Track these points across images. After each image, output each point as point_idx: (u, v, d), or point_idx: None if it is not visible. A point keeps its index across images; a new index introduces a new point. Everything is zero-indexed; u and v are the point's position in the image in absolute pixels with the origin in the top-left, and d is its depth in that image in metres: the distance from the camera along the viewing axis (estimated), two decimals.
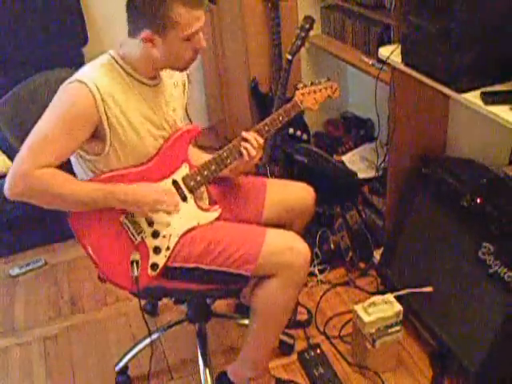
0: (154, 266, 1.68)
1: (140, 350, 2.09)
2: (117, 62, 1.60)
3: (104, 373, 2.16)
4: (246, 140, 1.75)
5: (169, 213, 1.66)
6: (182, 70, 1.66)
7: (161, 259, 1.68)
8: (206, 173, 1.72)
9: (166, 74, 1.72)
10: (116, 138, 1.57)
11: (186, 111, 1.86)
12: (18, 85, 1.80)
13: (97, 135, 1.57)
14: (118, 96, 1.56)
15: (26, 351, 2.31)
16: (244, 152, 1.75)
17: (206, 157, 1.79)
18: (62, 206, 1.58)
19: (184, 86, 1.81)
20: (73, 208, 1.59)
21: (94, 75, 1.55)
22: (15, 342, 2.36)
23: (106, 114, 1.54)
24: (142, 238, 1.66)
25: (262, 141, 1.77)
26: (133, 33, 1.56)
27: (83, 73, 1.56)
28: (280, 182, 2.08)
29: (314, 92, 1.88)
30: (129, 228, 1.65)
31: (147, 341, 2.07)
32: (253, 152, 1.75)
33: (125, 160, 1.62)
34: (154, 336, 2.14)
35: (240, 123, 3.24)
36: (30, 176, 1.48)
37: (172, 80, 1.75)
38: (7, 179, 1.50)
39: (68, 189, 1.53)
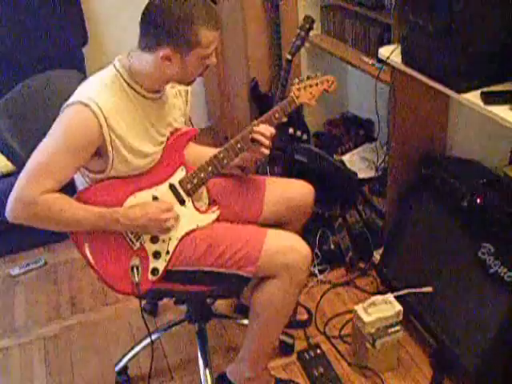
0: (155, 270, 1.68)
1: (140, 350, 2.09)
2: (122, 76, 1.58)
3: (104, 373, 2.16)
4: (257, 132, 1.75)
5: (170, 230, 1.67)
6: (188, 84, 1.66)
7: (161, 264, 1.68)
8: (202, 175, 1.72)
9: (168, 84, 1.71)
10: (118, 159, 1.57)
11: (190, 119, 1.85)
12: (18, 85, 1.80)
13: (98, 153, 1.56)
14: (121, 116, 1.55)
15: (26, 351, 2.31)
16: (258, 139, 1.74)
17: (211, 151, 1.79)
18: (64, 230, 1.59)
19: (186, 94, 1.81)
20: (73, 230, 1.61)
21: (97, 95, 1.52)
22: (15, 342, 2.36)
23: (110, 137, 1.53)
24: (140, 243, 1.66)
25: (273, 130, 1.77)
26: (148, 48, 1.53)
27: (86, 92, 1.54)
28: (279, 179, 2.08)
29: (310, 86, 1.86)
30: (127, 234, 1.65)
31: (147, 341, 2.06)
32: (266, 142, 1.74)
33: (125, 175, 1.62)
34: (154, 336, 2.13)
35: (240, 123, 3.24)
36: (32, 203, 1.48)
37: (174, 89, 1.74)
38: (8, 202, 1.49)
39: (70, 215, 1.53)
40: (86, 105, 1.49)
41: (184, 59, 1.53)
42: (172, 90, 1.74)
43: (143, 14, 1.53)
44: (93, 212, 1.56)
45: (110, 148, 1.54)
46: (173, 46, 1.50)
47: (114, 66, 1.60)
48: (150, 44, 1.53)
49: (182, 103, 1.78)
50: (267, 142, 1.75)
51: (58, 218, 1.53)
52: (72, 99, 1.53)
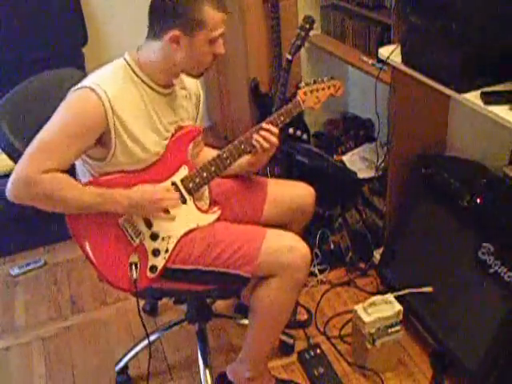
0: (153, 268, 1.67)
1: (140, 350, 2.09)
2: (131, 68, 1.59)
3: (104, 373, 2.16)
4: (260, 130, 1.74)
5: (169, 212, 1.66)
6: (197, 76, 1.67)
7: (160, 261, 1.68)
8: (205, 174, 1.72)
9: (178, 85, 1.71)
10: (120, 147, 1.57)
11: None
12: (19, 85, 1.80)
13: (101, 141, 1.56)
14: (127, 105, 1.56)
15: (26, 351, 2.31)
16: (256, 144, 1.74)
17: (214, 153, 1.79)
18: (63, 210, 1.58)
19: (198, 99, 1.81)
20: (74, 212, 1.60)
21: (105, 81, 1.54)
22: (15, 342, 2.36)
23: (114, 124, 1.53)
24: (140, 240, 1.66)
25: (276, 131, 1.76)
26: (157, 34, 1.55)
27: (94, 78, 1.55)
28: (280, 181, 2.07)
29: (317, 90, 1.85)
30: (127, 230, 1.64)
31: (147, 341, 2.06)
32: (265, 144, 1.74)
33: (126, 168, 1.62)
34: (154, 336, 2.14)
35: (240, 123, 3.24)
36: (32, 181, 1.48)
37: (185, 91, 1.75)
38: (10, 182, 1.49)
39: (69, 194, 1.53)
40: (92, 89, 1.51)
41: (191, 41, 1.54)
42: (182, 92, 1.74)
43: (151, 4, 1.56)
44: (91, 192, 1.56)
45: (113, 134, 1.54)
46: (180, 26, 1.52)
47: (124, 58, 1.61)
48: (158, 30, 1.55)
49: (191, 107, 1.78)
50: (266, 145, 1.74)
51: (55, 197, 1.52)
52: (79, 84, 1.55)
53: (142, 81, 1.60)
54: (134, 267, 1.64)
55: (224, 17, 1.57)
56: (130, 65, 1.60)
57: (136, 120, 1.58)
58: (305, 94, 1.83)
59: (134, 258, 1.65)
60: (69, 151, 1.52)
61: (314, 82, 1.85)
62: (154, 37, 1.57)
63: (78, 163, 1.65)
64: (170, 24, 1.52)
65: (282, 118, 1.79)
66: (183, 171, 1.71)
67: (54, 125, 1.52)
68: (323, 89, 1.86)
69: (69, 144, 1.51)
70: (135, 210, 1.62)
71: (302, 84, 1.84)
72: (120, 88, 1.56)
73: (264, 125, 1.75)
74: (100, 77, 1.57)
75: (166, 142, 1.67)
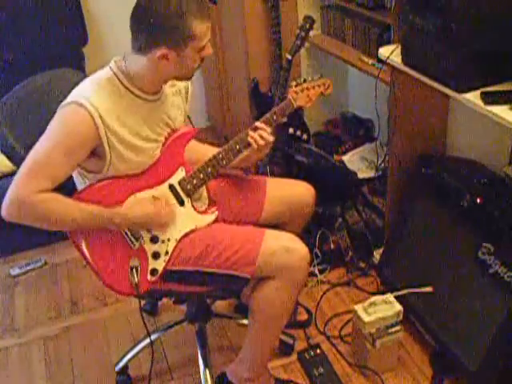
0: (154, 271, 1.68)
1: (140, 350, 2.09)
2: (118, 78, 1.57)
3: (104, 373, 2.16)
4: (255, 129, 1.76)
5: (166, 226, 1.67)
6: (188, 79, 1.66)
7: (160, 264, 1.68)
8: (202, 176, 1.72)
9: (167, 84, 1.70)
10: (116, 158, 1.57)
11: (188, 116, 1.85)
12: (19, 85, 1.80)
13: (96, 153, 1.56)
14: (116, 116, 1.54)
15: (26, 351, 2.31)
16: (251, 142, 1.75)
17: (214, 150, 1.79)
18: (60, 229, 1.59)
19: (186, 91, 1.80)
20: (71, 229, 1.61)
21: (93, 95, 1.52)
22: (15, 342, 2.36)
23: (107, 136, 1.52)
24: (140, 243, 1.66)
25: (270, 129, 1.77)
26: (143, 50, 1.53)
27: (81, 92, 1.53)
28: (280, 180, 2.08)
29: (307, 89, 1.86)
30: (127, 234, 1.64)
31: (147, 341, 2.06)
32: (260, 141, 1.74)
33: (124, 173, 1.62)
34: (154, 336, 2.13)
35: (240, 123, 3.24)
36: (26, 202, 1.47)
37: (174, 88, 1.74)
38: (4, 202, 1.49)
39: (64, 214, 1.53)
40: (81, 105, 1.49)
41: (181, 55, 1.53)
42: (171, 89, 1.73)
43: (132, 16, 1.52)
44: (87, 211, 1.55)
45: (107, 147, 1.54)
46: (168, 44, 1.50)
47: (110, 67, 1.59)
48: (144, 46, 1.52)
49: (181, 101, 1.78)
50: (262, 142, 1.74)
51: (51, 218, 1.52)
52: (67, 100, 1.53)
53: (131, 92, 1.58)
54: (134, 271, 1.64)
55: (209, 24, 1.54)
56: (117, 76, 1.58)
57: (127, 129, 1.57)
58: (296, 92, 1.85)
59: (135, 262, 1.65)
60: (62, 169, 1.51)
61: (305, 81, 1.87)
62: (139, 51, 1.54)
63: (75, 174, 1.64)
64: (157, 41, 1.49)
65: (275, 117, 1.81)
66: (180, 173, 1.71)
67: (45, 143, 1.51)
68: (313, 87, 1.88)
69: (61, 162, 1.50)
70: (136, 227, 1.63)
71: (294, 83, 1.86)
72: (109, 101, 1.54)
73: (258, 124, 1.76)
74: (87, 90, 1.54)
75: (158, 144, 1.66)
